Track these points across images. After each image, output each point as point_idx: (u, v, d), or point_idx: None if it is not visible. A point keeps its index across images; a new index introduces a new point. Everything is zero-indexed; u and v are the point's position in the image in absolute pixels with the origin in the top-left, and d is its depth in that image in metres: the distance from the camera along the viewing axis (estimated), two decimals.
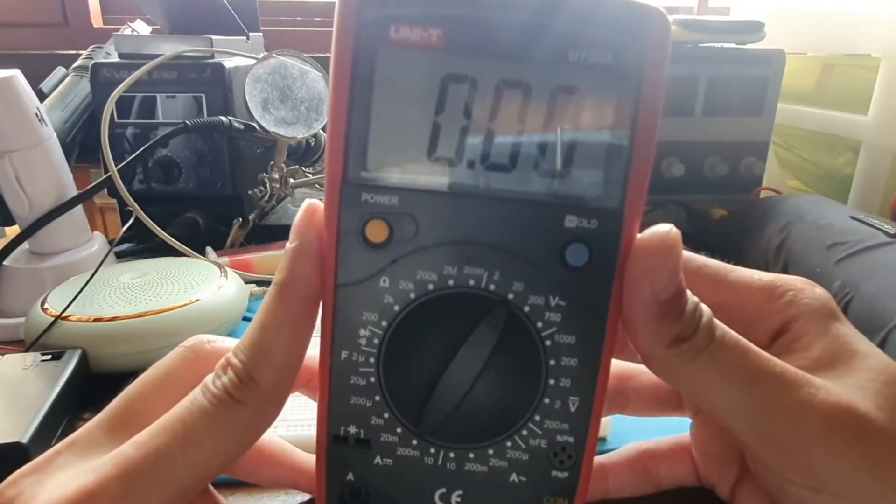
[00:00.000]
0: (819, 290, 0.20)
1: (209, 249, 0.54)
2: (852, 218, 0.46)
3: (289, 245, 0.17)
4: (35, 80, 0.52)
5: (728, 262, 0.21)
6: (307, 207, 0.17)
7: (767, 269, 0.52)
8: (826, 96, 0.67)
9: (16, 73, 0.45)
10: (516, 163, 0.16)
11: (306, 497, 0.25)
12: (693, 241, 0.60)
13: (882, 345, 0.36)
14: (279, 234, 0.59)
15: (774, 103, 0.59)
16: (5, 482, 0.18)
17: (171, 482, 0.17)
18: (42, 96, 0.64)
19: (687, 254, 0.20)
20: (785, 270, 0.47)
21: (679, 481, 0.24)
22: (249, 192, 0.60)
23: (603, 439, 0.31)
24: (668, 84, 0.16)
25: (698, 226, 0.60)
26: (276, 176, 0.60)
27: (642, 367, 0.24)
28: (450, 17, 0.15)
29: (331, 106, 0.16)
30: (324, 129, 0.59)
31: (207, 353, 0.20)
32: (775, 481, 0.19)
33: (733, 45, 0.60)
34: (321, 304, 0.17)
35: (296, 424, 0.30)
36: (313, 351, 0.22)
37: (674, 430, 0.24)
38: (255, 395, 0.17)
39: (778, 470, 0.18)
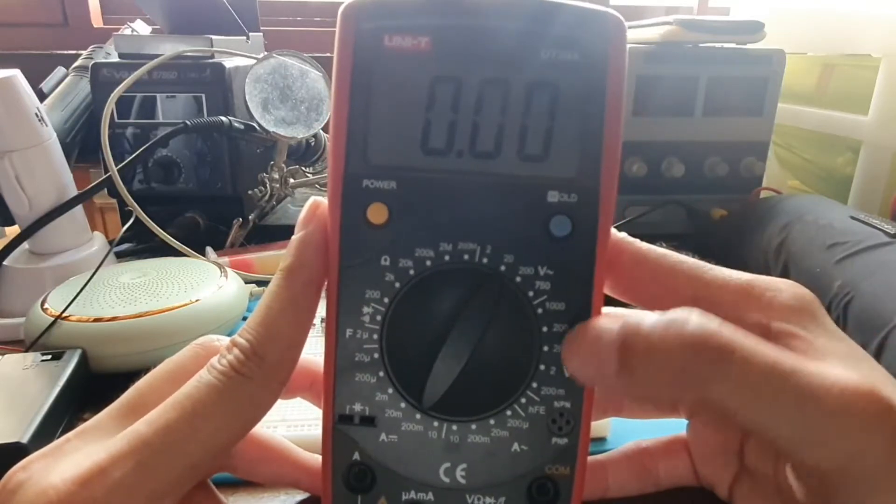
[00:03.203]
0: (802, 292, 0.19)
1: (209, 249, 0.54)
2: (852, 218, 0.46)
3: (294, 236, 0.19)
4: (35, 80, 0.52)
5: (728, 263, 0.21)
6: (311, 202, 0.19)
7: (767, 269, 0.52)
8: (826, 96, 0.67)
9: (16, 73, 0.45)
10: (500, 150, 0.18)
11: (306, 496, 0.25)
12: (693, 241, 0.60)
13: (882, 345, 0.36)
14: (279, 234, 0.59)
15: (774, 103, 0.59)
16: (16, 466, 0.18)
17: (181, 456, 0.17)
18: (42, 96, 0.64)
19: (662, 251, 0.20)
20: (785, 270, 0.47)
21: (678, 480, 0.24)
22: (249, 192, 0.60)
23: (603, 439, 0.31)
24: (627, 76, 0.18)
25: (698, 226, 0.60)
26: (276, 176, 0.60)
27: None
28: (436, 27, 0.17)
29: (334, 105, 0.18)
30: (324, 129, 0.59)
31: (217, 349, 0.20)
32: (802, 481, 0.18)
33: (733, 45, 0.60)
34: (326, 286, 0.19)
35: (296, 424, 0.30)
36: (312, 356, 0.22)
37: (673, 430, 0.24)
38: (260, 370, 0.18)
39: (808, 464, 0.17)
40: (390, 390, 0.18)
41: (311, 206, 0.19)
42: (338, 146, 0.18)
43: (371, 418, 0.18)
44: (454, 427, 0.18)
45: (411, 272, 0.18)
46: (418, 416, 0.18)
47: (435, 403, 0.18)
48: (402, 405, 0.18)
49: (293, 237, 0.19)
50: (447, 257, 0.18)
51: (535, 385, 0.18)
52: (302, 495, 0.26)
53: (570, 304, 0.18)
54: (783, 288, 0.19)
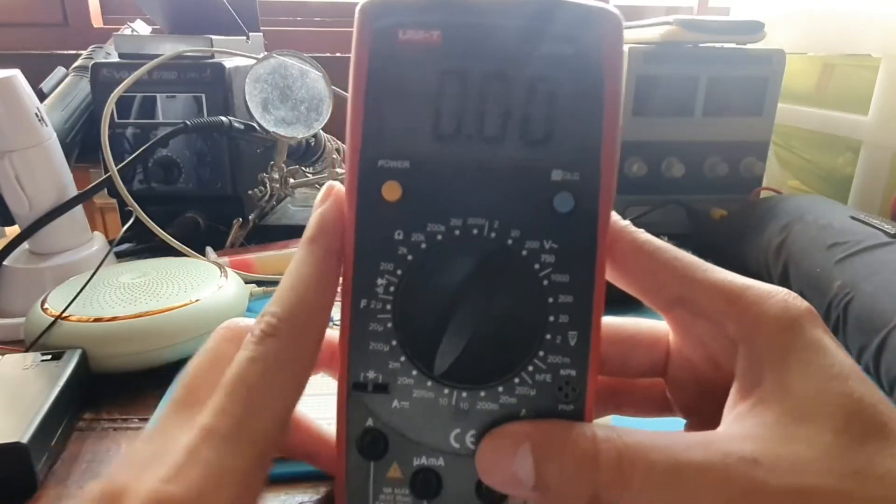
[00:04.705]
0: (793, 304, 0.18)
1: (209, 249, 0.54)
2: (852, 218, 0.46)
3: (313, 213, 0.20)
4: (35, 80, 0.52)
5: (728, 263, 0.20)
6: (327, 185, 0.20)
7: (768, 269, 0.52)
8: (826, 96, 0.67)
9: (16, 73, 0.45)
10: (506, 135, 0.19)
11: (306, 497, 0.26)
12: (693, 241, 0.60)
13: (882, 345, 0.36)
14: (279, 234, 0.59)
15: (774, 103, 0.59)
16: (103, 484, 0.17)
17: (248, 444, 0.17)
18: (42, 96, 0.64)
19: (659, 244, 0.20)
20: (785, 270, 0.47)
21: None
22: (249, 192, 0.60)
23: None
24: (623, 66, 0.19)
25: (698, 226, 0.60)
26: (276, 176, 0.60)
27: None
28: (446, 23, 0.19)
29: (351, 93, 0.19)
30: (324, 129, 0.59)
31: (243, 329, 0.21)
32: None
33: (733, 45, 0.60)
34: (343, 260, 0.20)
35: None
36: (334, 332, 0.22)
37: (672, 427, 0.25)
38: (293, 331, 0.18)
39: None
40: (402, 358, 0.19)
41: (328, 187, 0.20)
42: (355, 129, 0.19)
43: (384, 385, 0.19)
44: (464, 394, 0.19)
45: (423, 246, 0.19)
46: (429, 383, 0.19)
47: (445, 371, 0.19)
48: (414, 373, 0.19)
49: (312, 215, 0.20)
50: (457, 232, 0.19)
51: (541, 353, 0.19)
52: (302, 496, 0.26)
53: (575, 277, 0.19)
54: (774, 301, 0.18)
